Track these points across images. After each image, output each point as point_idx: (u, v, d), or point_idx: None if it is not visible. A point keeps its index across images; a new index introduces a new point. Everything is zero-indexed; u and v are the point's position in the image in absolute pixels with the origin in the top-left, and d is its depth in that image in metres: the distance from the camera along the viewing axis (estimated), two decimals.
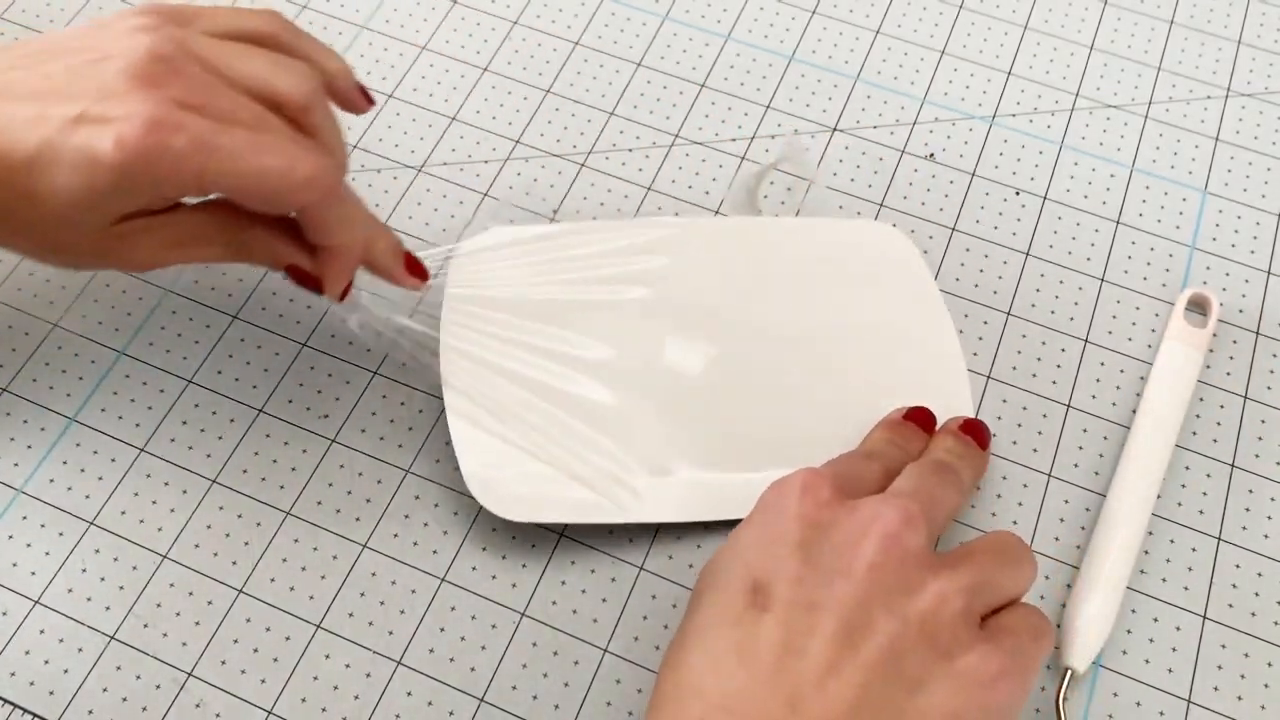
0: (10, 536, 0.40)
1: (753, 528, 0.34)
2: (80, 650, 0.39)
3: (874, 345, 0.44)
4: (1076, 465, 0.42)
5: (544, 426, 0.41)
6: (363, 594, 0.40)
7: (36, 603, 0.39)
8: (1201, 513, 0.41)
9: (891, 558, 0.33)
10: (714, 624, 0.32)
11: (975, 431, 0.40)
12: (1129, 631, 0.39)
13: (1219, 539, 0.41)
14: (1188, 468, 0.42)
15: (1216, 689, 0.38)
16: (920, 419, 0.41)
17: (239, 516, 0.41)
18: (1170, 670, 0.39)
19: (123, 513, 0.41)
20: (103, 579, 0.40)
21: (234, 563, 0.40)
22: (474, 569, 0.40)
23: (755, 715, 0.30)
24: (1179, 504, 0.41)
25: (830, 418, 0.42)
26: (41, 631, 0.39)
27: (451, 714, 0.38)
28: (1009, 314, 0.45)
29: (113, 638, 0.39)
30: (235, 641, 0.39)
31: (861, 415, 0.42)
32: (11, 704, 0.38)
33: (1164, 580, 0.40)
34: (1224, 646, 0.39)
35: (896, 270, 0.45)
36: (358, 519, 0.41)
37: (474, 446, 0.40)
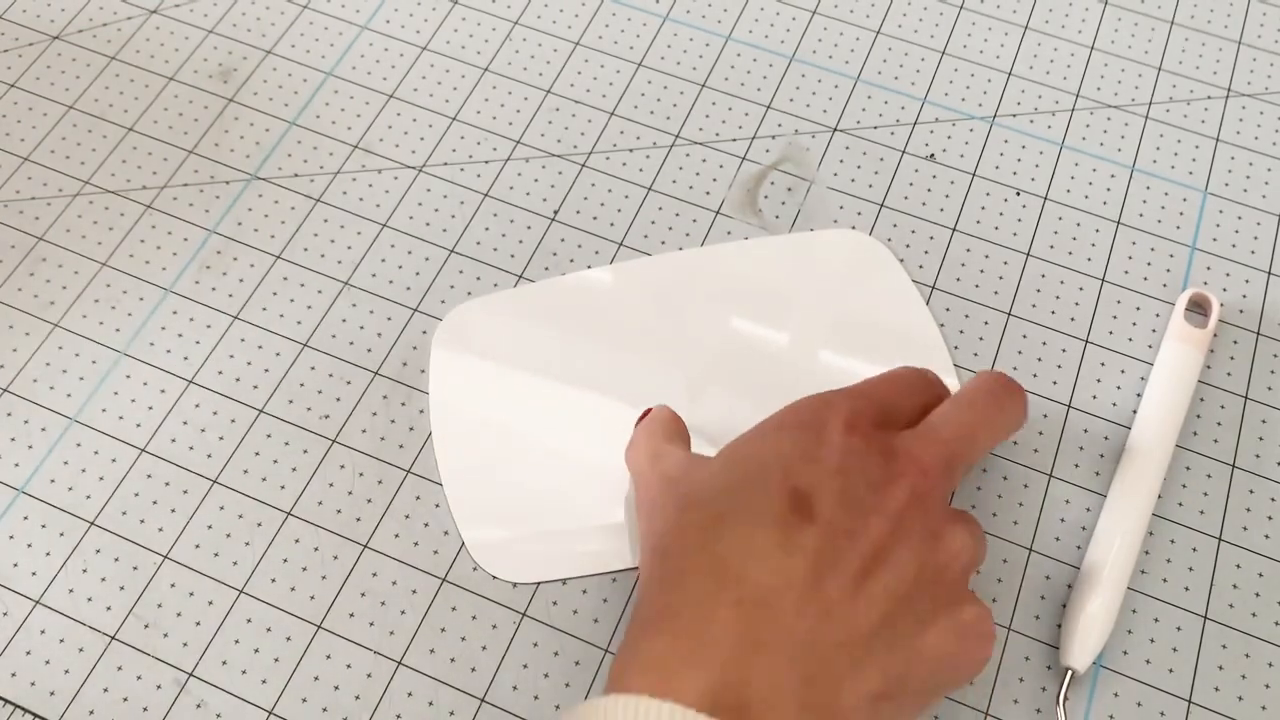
0: (11, 537, 0.40)
1: (790, 437, 0.35)
2: (81, 651, 0.39)
3: (859, 352, 0.44)
4: (1076, 465, 0.42)
5: (541, 485, 0.41)
6: (363, 594, 0.40)
7: (37, 603, 0.39)
8: (1202, 513, 0.41)
9: (921, 503, 0.34)
10: (756, 517, 0.32)
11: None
12: (1129, 631, 0.39)
13: (1219, 539, 0.41)
14: (1188, 468, 0.42)
15: (1217, 689, 0.38)
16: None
17: (240, 517, 0.41)
18: (1171, 670, 0.39)
19: (123, 513, 0.41)
20: (103, 579, 0.40)
21: (235, 563, 0.40)
22: (474, 569, 0.40)
23: (790, 616, 0.31)
24: (1179, 504, 0.41)
25: None
26: (42, 632, 0.39)
27: (452, 714, 0.38)
28: (1009, 314, 0.45)
29: (113, 638, 0.39)
30: (236, 642, 0.39)
31: None
32: (12, 704, 0.38)
33: (1164, 580, 0.40)
34: (1225, 647, 0.39)
35: (871, 274, 0.46)
36: (358, 519, 0.41)
37: (474, 513, 0.41)
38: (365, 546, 0.40)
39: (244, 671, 0.38)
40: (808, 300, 0.45)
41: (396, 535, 0.41)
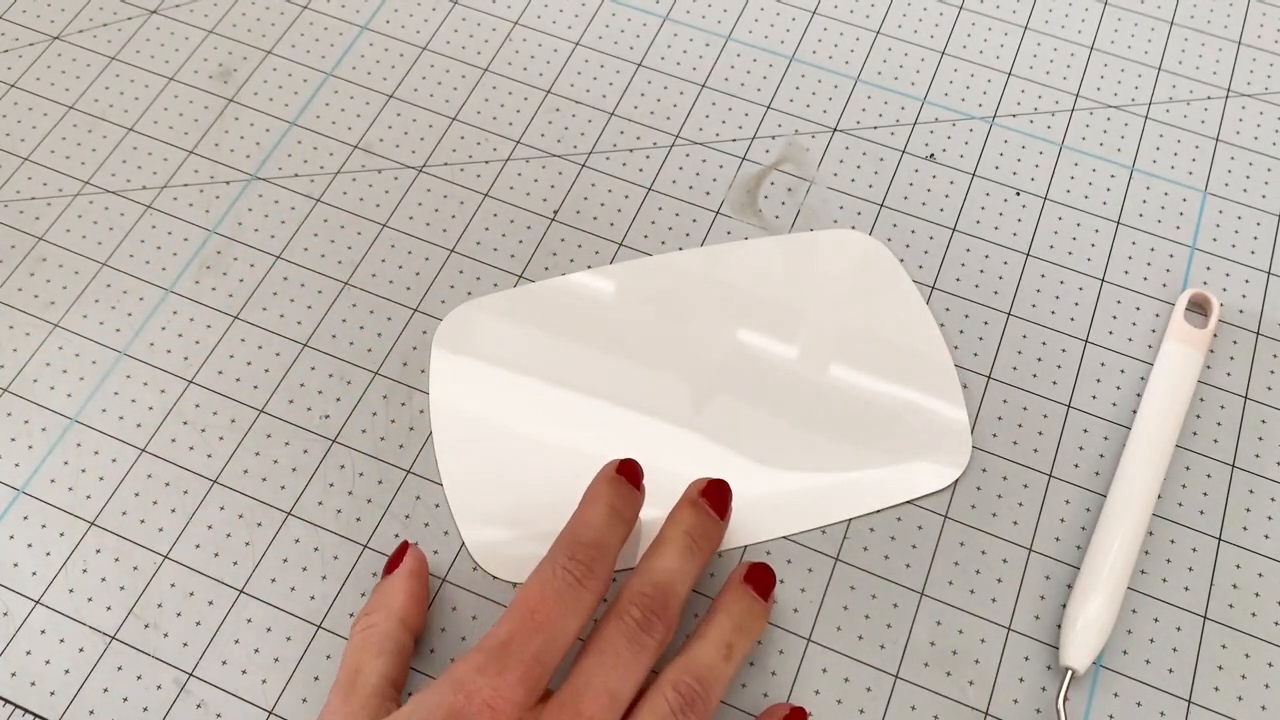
0: (11, 537, 0.40)
1: None
2: (81, 650, 0.39)
3: (859, 353, 0.44)
4: (1076, 465, 0.42)
5: (541, 485, 0.41)
6: (364, 594, 0.40)
7: (38, 603, 0.39)
8: (1202, 513, 0.41)
9: None
10: None
11: (757, 580, 0.37)
12: (1129, 631, 0.39)
13: (1219, 539, 0.41)
14: (1188, 468, 0.42)
15: (1217, 689, 0.38)
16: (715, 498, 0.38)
17: (240, 517, 0.41)
18: (1171, 670, 0.39)
19: (123, 513, 0.41)
20: (104, 579, 0.40)
21: (235, 563, 0.40)
22: (475, 569, 0.40)
23: None
24: (1179, 504, 0.42)
25: (823, 431, 0.42)
26: (43, 632, 0.39)
27: None
28: (1009, 314, 0.45)
29: (114, 638, 0.39)
30: (236, 642, 0.39)
31: (853, 425, 0.42)
32: (12, 704, 0.38)
33: (1164, 580, 0.40)
34: (1224, 647, 0.39)
35: (871, 274, 0.46)
36: (358, 519, 0.41)
37: (474, 514, 0.41)
38: (365, 546, 0.40)
39: (244, 671, 0.38)
40: (807, 300, 0.45)
41: (396, 535, 0.41)
